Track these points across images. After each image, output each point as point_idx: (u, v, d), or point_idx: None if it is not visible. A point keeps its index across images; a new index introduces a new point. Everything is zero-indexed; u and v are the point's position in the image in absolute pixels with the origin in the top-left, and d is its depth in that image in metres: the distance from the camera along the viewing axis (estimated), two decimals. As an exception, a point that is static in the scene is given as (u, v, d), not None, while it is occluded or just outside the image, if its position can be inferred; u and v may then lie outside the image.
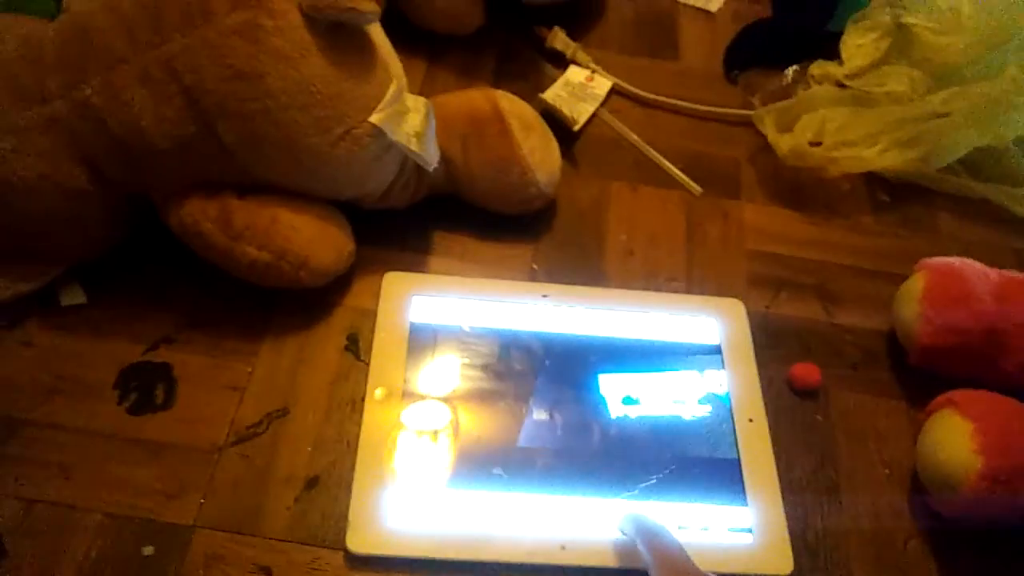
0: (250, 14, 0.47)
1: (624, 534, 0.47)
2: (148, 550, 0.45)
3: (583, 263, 0.62)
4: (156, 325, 0.54)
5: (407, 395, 0.52)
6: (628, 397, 0.54)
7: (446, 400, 0.52)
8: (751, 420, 0.54)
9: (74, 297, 0.55)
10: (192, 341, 0.54)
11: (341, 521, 0.47)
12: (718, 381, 0.56)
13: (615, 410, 0.53)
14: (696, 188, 0.67)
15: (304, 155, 0.50)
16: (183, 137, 0.48)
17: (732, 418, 0.54)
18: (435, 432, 0.51)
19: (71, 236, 0.53)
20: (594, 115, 0.71)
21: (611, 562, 0.47)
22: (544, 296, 0.58)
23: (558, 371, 0.55)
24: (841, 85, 0.71)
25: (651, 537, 0.44)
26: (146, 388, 0.52)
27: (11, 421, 0.49)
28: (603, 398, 0.54)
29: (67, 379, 0.51)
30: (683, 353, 0.57)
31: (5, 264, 0.52)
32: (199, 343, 0.54)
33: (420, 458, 0.50)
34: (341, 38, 0.49)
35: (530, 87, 0.70)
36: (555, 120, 0.66)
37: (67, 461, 0.48)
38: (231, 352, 0.54)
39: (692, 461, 0.52)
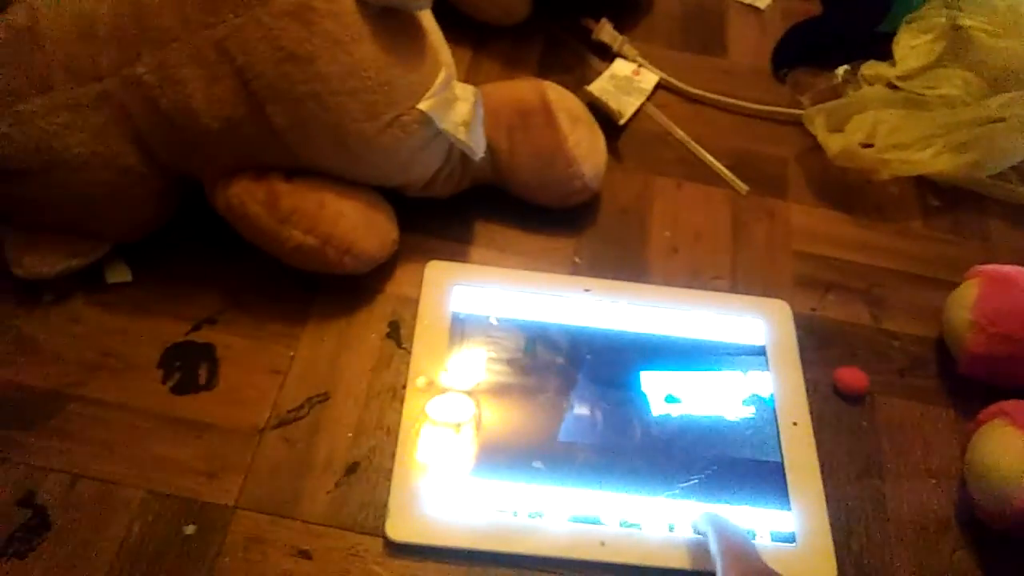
0: (304, -4, 0.46)
1: (698, 533, 0.46)
2: (190, 529, 0.46)
3: (626, 258, 0.61)
4: (200, 305, 0.54)
5: (448, 385, 0.52)
6: (670, 395, 0.53)
7: (486, 391, 0.52)
8: (795, 423, 0.53)
9: (120, 275, 0.55)
10: (235, 322, 0.54)
11: (380, 508, 0.47)
12: (762, 383, 0.55)
13: (657, 408, 0.53)
14: (742, 186, 0.66)
15: (352, 140, 0.50)
16: (233, 118, 0.48)
17: (776, 421, 0.53)
18: (474, 423, 0.51)
19: (120, 214, 0.53)
20: (640, 109, 0.70)
21: (651, 560, 0.47)
22: (587, 290, 0.58)
23: (600, 366, 0.54)
24: (893, 87, 0.70)
25: (727, 537, 0.43)
26: (189, 368, 0.52)
27: (56, 395, 0.50)
28: (645, 396, 0.53)
29: (112, 356, 0.52)
30: (727, 353, 0.56)
31: (56, 239, 0.52)
32: (242, 325, 0.54)
33: (459, 448, 0.50)
34: (393, 24, 0.49)
35: (575, 79, 0.70)
36: (600, 113, 0.65)
37: (110, 438, 0.48)
38: (273, 335, 0.54)
39: (734, 463, 0.51)
